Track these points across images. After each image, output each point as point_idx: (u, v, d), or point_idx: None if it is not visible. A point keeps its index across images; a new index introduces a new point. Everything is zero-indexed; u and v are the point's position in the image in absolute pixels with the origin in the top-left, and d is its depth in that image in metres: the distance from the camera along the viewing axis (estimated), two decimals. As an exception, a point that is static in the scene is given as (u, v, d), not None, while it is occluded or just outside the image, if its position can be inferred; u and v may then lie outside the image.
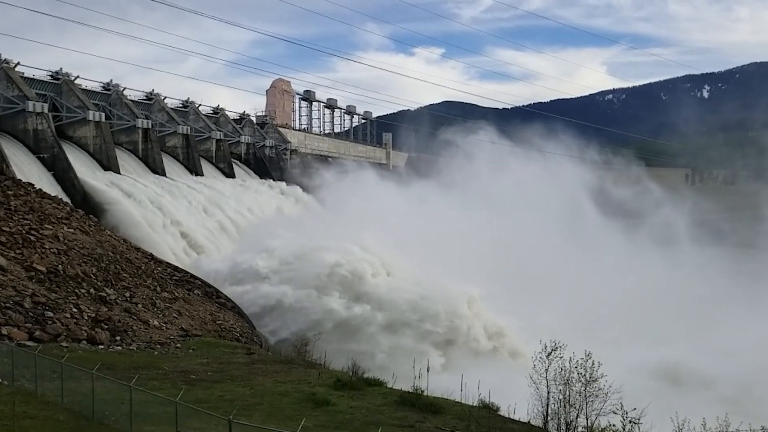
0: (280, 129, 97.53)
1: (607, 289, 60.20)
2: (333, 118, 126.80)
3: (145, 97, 72.03)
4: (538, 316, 47.99)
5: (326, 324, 42.82)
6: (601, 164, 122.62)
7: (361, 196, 67.33)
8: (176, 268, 42.52)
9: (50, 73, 60.10)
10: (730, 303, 59.89)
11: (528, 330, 44.49)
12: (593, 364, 18.35)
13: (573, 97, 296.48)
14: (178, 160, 70.81)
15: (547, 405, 18.72)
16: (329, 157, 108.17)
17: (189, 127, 72.36)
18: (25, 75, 56.93)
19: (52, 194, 44.08)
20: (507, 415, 20.24)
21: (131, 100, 68.05)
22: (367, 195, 68.11)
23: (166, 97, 74.88)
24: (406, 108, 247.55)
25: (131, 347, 28.12)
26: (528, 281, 55.70)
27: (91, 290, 32.45)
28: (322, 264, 46.42)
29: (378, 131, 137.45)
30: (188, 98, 79.58)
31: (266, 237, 51.75)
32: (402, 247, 50.99)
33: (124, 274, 36.16)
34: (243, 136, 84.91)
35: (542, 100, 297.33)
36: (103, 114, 60.26)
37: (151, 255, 42.42)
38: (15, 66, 55.24)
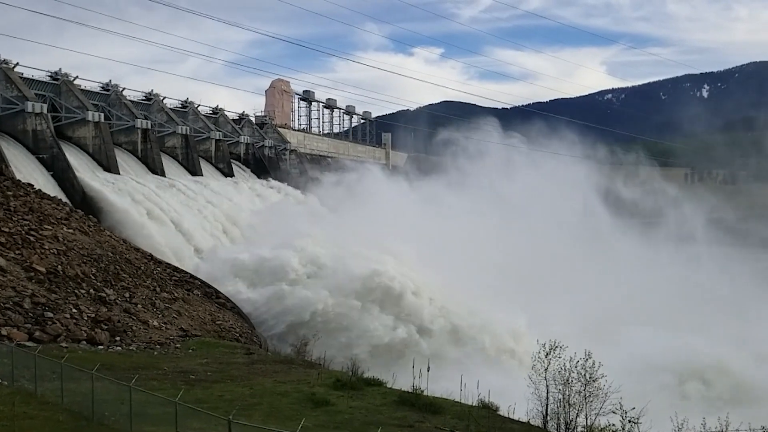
0: (279, 129, 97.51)
1: (624, 291, 58.32)
2: (332, 118, 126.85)
3: (144, 98, 72.03)
4: (555, 323, 44.38)
5: (362, 346, 38.38)
6: (606, 164, 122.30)
7: (363, 197, 66.51)
8: (175, 269, 42.52)
9: (49, 74, 60.08)
10: (755, 303, 57.48)
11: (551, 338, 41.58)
12: (593, 364, 18.35)
13: (572, 96, 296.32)
14: (178, 161, 70.81)
15: (547, 405, 18.73)
16: (329, 157, 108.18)
17: (188, 128, 72.35)
18: (24, 75, 56.91)
19: (52, 195, 44.09)
20: (506, 415, 20.25)
21: (130, 101, 68.03)
22: (371, 196, 67.16)
23: (165, 98, 74.93)
24: (405, 108, 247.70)
25: (131, 347, 28.12)
26: (544, 286, 54.22)
27: (91, 291, 32.46)
28: (360, 272, 42.11)
29: (377, 131, 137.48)
30: (187, 98, 79.59)
31: (290, 232, 47.43)
32: (424, 254, 47.90)
33: (124, 275, 36.16)
34: (242, 137, 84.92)
35: (542, 100, 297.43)
36: (102, 114, 60.24)
37: (151, 255, 42.42)
38: (14, 66, 55.23)
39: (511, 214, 68.36)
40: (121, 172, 58.24)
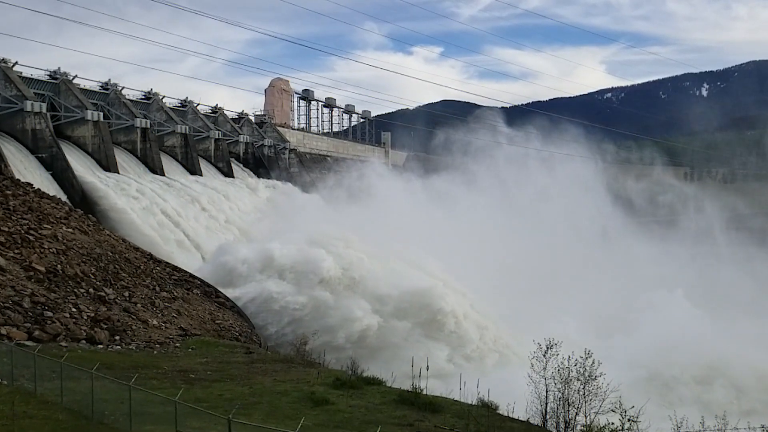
0: (278, 128, 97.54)
1: (639, 289, 55.69)
2: (332, 117, 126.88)
3: (143, 97, 72.05)
4: (568, 322, 43.00)
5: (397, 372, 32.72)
6: (609, 162, 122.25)
7: (368, 196, 65.91)
8: (175, 268, 42.48)
9: (48, 73, 60.10)
10: None
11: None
12: (593, 362, 18.35)
13: (572, 95, 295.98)
14: (177, 160, 70.85)
15: (546, 404, 18.74)
16: (328, 156, 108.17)
17: (187, 127, 72.38)
18: (24, 75, 56.92)
19: (51, 194, 44.10)
20: (506, 414, 20.26)
21: (129, 100, 68.07)
22: (376, 195, 66.51)
23: (164, 97, 74.93)
24: (404, 107, 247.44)
25: (130, 347, 28.12)
26: (558, 286, 52.83)
27: (90, 290, 32.45)
28: (404, 288, 36.55)
29: (377, 130, 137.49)
30: (186, 98, 79.62)
31: (310, 231, 42.17)
32: (448, 262, 43.95)
33: (123, 274, 36.16)
34: (242, 136, 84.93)
35: (541, 99, 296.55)
36: (101, 114, 60.28)
37: (150, 254, 42.41)
38: (13, 65, 55.23)
39: (520, 213, 67.81)
40: (120, 172, 58.28)
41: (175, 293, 37.36)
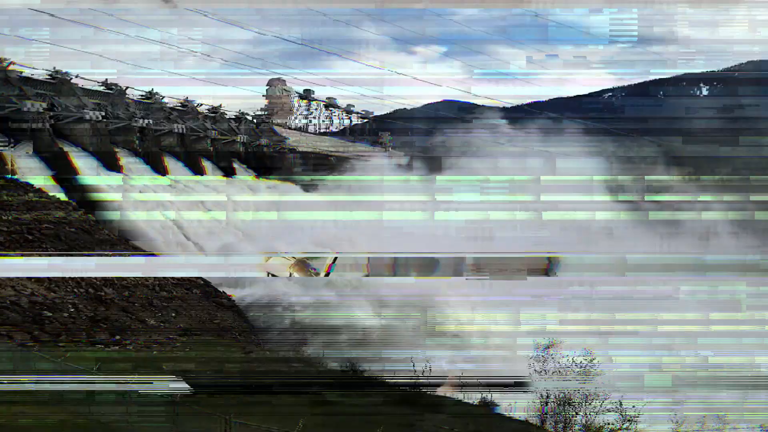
0: (278, 128, 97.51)
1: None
2: (332, 116, 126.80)
3: (142, 96, 71.97)
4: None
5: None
6: (611, 162, 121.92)
7: (371, 196, 65.65)
8: (175, 268, 42.42)
9: (48, 72, 60.00)
10: None
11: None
12: (591, 361, 18.35)
13: (572, 96, 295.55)
14: (177, 159, 70.79)
15: (546, 403, 18.74)
16: (329, 155, 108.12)
17: (187, 126, 72.36)
18: (23, 74, 56.86)
19: (51, 194, 44.12)
20: (506, 414, 20.26)
21: (129, 99, 68.03)
22: (375, 194, 66.31)
23: (164, 96, 74.86)
24: (404, 107, 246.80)
25: (129, 347, 28.12)
26: (562, 288, 52.51)
27: (90, 290, 32.45)
28: (407, 290, 35.76)
29: (377, 130, 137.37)
30: (186, 97, 79.48)
31: (310, 232, 42.43)
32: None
33: (123, 274, 36.12)
34: (241, 135, 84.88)
35: (541, 99, 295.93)
36: (101, 113, 60.22)
37: (150, 254, 42.41)
38: (12, 65, 55.17)
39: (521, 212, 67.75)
40: (121, 171, 58.25)
41: (175, 293, 37.35)
